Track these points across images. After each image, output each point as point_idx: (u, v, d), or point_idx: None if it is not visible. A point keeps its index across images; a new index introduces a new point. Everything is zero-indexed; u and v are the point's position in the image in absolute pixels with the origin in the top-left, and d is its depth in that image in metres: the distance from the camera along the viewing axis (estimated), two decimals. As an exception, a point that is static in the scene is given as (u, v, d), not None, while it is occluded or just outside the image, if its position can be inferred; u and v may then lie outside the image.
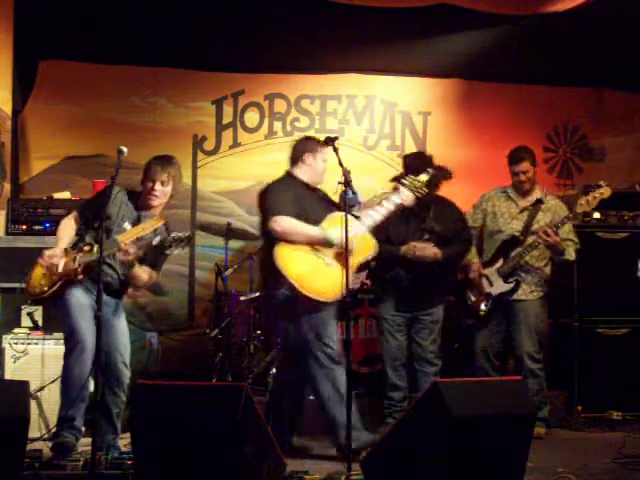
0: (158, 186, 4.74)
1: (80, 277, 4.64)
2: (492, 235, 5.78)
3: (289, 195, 4.90)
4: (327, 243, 4.80)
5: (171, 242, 4.53)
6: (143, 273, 4.74)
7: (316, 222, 4.85)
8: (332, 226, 4.80)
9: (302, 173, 5.03)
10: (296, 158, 5.08)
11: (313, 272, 4.76)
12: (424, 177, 5.01)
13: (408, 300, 5.50)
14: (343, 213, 4.47)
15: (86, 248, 4.66)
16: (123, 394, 4.76)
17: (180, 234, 4.54)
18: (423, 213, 5.47)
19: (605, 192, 5.41)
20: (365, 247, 4.88)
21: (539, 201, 5.74)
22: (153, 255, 4.73)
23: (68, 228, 4.79)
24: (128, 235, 4.60)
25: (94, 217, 4.70)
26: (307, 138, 5.30)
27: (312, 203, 4.95)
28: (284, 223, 4.77)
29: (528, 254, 5.58)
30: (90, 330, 4.64)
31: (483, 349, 5.75)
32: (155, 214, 4.80)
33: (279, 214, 4.78)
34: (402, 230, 5.47)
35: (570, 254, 5.68)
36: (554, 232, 5.45)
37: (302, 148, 5.10)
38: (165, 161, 4.80)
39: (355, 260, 4.79)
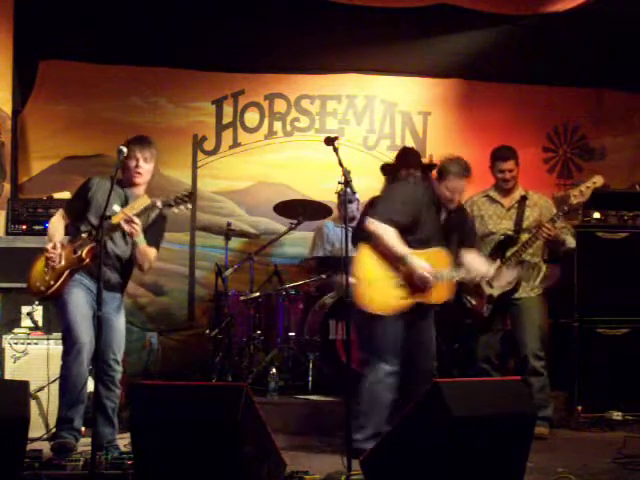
0: (142, 163, 4.79)
1: (87, 261, 4.65)
2: (483, 238, 5.76)
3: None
4: (406, 264, 4.75)
5: (174, 201, 4.60)
6: (150, 251, 4.77)
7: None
8: (426, 259, 4.78)
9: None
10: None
11: (377, 283, 4.79)
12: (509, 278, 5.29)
13: None
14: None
15: (84, 235, 4.69)
16: (116, 388, 4.79)
17: (183, 192, 4.62)
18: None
19: (598, 181, 5.41)
20: (441, 291, 4.87)
21: (524, 198, 5.75)
22: (152, 233, 4.79)
23: (58, 225, 4.85)
24: (121, 215, 4.61)
25: (81, 211, 4.79)
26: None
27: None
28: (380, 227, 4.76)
29: (525, 251, 5.59)
30: (88, 330, 4.65)
31: (484, 351, 5.74)
32: (140, 193, 4.83)
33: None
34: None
35: (571, 242, 5.69)
36: (553, 226, 5.46)
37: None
38: (144, 141, 4.85)
39: (429, 297, 4.81)
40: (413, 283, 4.77)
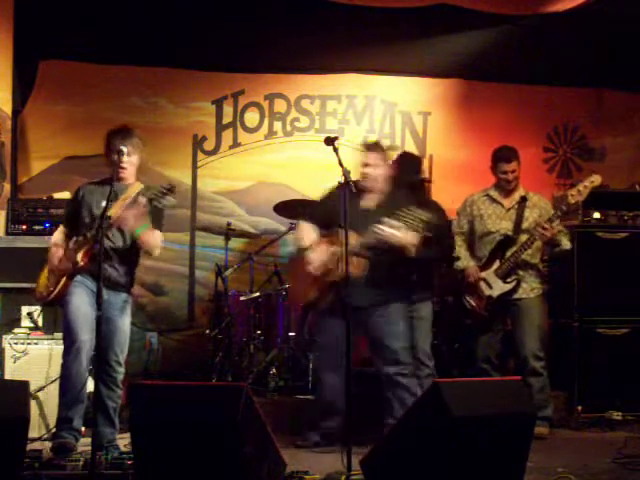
0: (124, 157, 4.77)
1: (82, 264, 4.66)
2: (482, 238, 5.75)
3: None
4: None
5: (154, 195, 4.59)
6: (155, 234, 4.75)
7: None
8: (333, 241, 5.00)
9: None
10: None
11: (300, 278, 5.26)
12: (424, 216, 4.97)
13: None
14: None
15: (80, 238, 4.70)
16: (117, 389, 4.80)
17: (164, 185, 4.61)
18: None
19: (595, 180, 5.40)
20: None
21: (524, 198, 5.74)
22: (152, 220, 4.77)
23: (59, 236, 4.92)
24: (114, 210, 4.61)
25: (75, 220, 4.84)
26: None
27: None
28: None
29: (524, 252, 5.58)
30: (88, 330, 4.66)
31: (484, 351, 5.73)
32: (128, 183, 4.82)
33: None
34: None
35: (566, 243, 5.67)
36: (550, 226, 5.45)
37: None
38: (124, 132, 4.83)
39: (333, 275, 4.98)
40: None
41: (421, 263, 5.40)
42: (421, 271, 5.52)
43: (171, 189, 4.60)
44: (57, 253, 4.79)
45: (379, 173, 5.18)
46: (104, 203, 4.66)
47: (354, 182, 4.76)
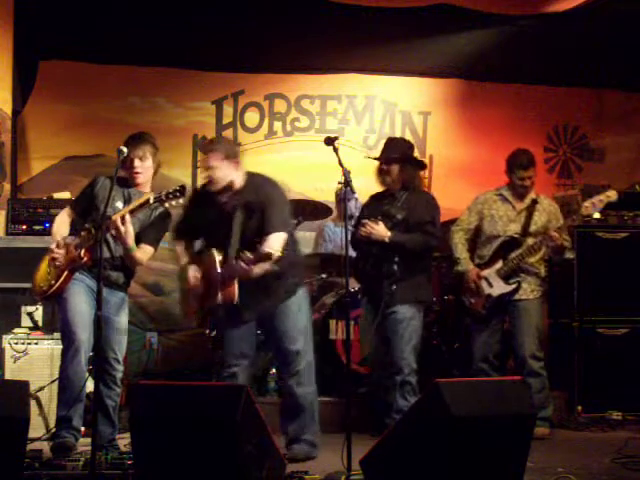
0: (137, 162, 4.77)
1: (85, 259, 4.65)
2: (490, 239, 5.71)
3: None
4: None
5: (165, 196, 4.56)
6: (144, 252, 4.77)
7: None
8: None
9: None
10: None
11: None
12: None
13: (377, 295, 5.32)
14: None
15: (83, 233, 4.69)
16: (117, 387, 4.79)
17: (174, 187, 4.57)
18: (390, 200, 5.39)
19: (612, 195, 5.35)
20: None
21: (535, 201, 5.72)
22: (153, 230, 4.79)
23: (62, 223, 4.87)
24: (121, 213, 4.62)
25: (86, 207, 4.80)
26: None
27: None
28: None
29: (530, 256, 5.56)
30: (86, 329, 4.66)
31: (482, 351, 5.71)
32: (145, 190, 4.82)
33: None
34: (366, 214, 5.43)
35: (569, 254, 5.67)
36: (559, 235, 5.44)
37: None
38: (136, 138, 4.83)
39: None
40: None
41: (398, 252, 5.25)
42: (406, 270, 5.28)
43: (182, 190, 4.57)
44: (59, 243, 4.74)
45: (220, 176, 4.74)
46: (118, 203, 4.69)
47: (202, 185, 4.75)
